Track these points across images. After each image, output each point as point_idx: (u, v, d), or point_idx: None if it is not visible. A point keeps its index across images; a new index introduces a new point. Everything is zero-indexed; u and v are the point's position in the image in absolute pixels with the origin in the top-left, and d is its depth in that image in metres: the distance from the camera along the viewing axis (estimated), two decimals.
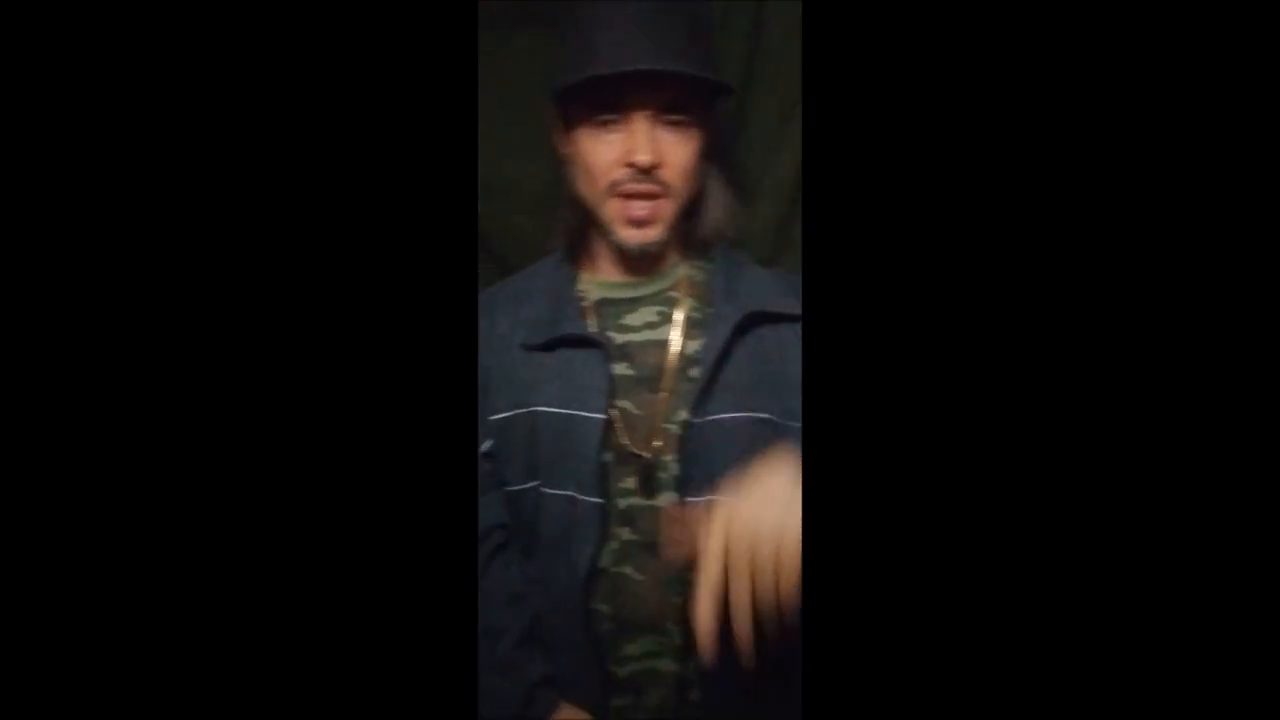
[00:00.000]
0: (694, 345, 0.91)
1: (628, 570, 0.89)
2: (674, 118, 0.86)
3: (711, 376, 0.88)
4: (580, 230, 0.94)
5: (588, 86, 0.84)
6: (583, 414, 0.88)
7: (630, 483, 0.89)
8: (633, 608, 0.88)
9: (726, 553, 0.67)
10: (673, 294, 0.93)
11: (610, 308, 0.93)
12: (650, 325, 0.92)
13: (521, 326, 0.93)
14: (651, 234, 0.88)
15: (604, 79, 0.83)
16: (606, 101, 0.85)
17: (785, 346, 0.91)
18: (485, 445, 0.92)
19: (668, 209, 0.87)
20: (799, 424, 0.89)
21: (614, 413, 0.89)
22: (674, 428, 0.89)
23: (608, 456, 0.88)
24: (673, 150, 0.86)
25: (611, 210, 0.88)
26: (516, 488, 0.91)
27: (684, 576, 0.86)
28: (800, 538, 0.65)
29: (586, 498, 0.87)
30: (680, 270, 0.94)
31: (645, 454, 0.88)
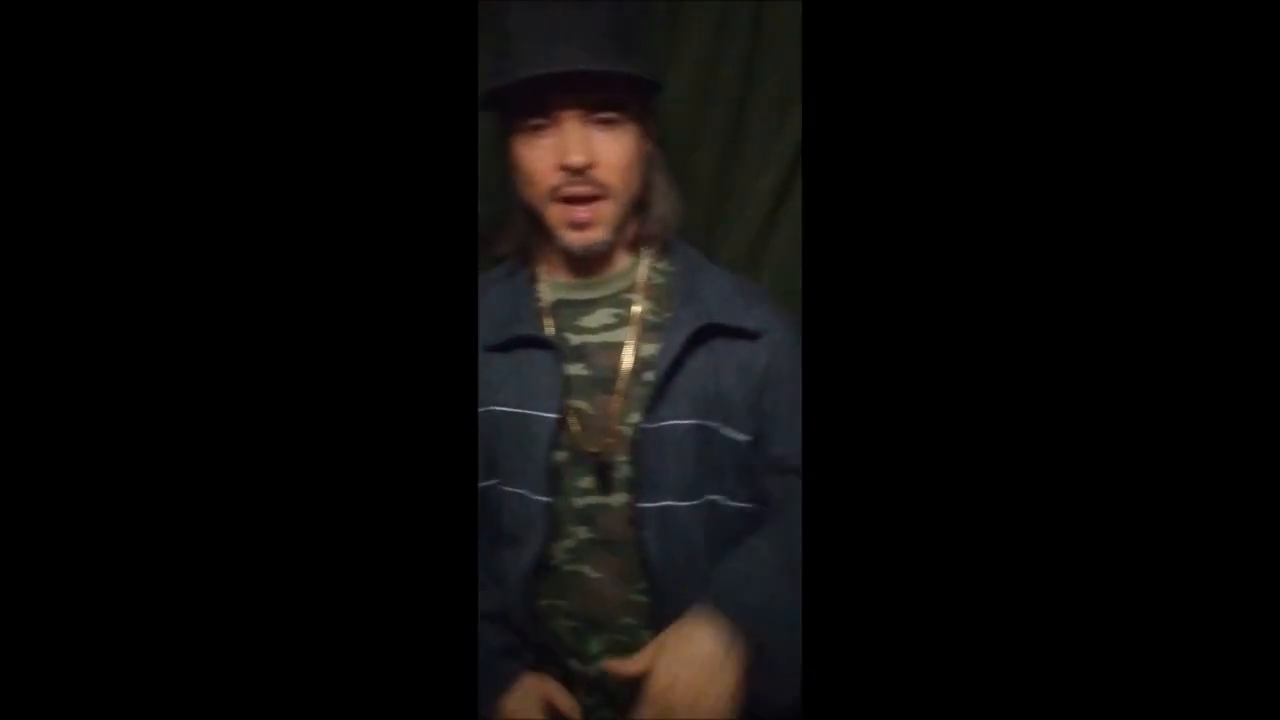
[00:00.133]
0: (649, 349, 0.91)
1: (584, 569, 0.90)
2: (605, 116, 0.85)
3: (664, 382, 0.88)
4: (530, 234, 0.94)
5: (516, 92, 0.83)
6: (536, 414, 0.89)
7: (587, 482, 0.90)
8: (591, 606, 0.90)
9: None
10: (629, 296, 0.93)
11: (566, 309, 0.93)
12: (607, 327, 0.92)
13: (481, 328, 0.93)
14: (594, 235, 0.88)
15: (529, 83, 0.82)
16: (535, 106, 0.84)
17: (740, 360, 0.91)
18: None
19: (608, 209, 0.87)
20: (749, 437, 0.91)
21: (570, 414, 0.90)
22: (627, 430, 0.90)
23: (560, 456, 0.90)
24: (607, 149, 0.85)
25: (554, 215, 0.88)
26: (480, 484, 0.92)
27: (642, 574, 0.89)
28: (725, 703, 0.78)
29: (537, 496, 0.89)
30: (638, 271, 0.94)
31: (597, 451, 0.89)
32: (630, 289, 0.93)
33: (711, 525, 0.90)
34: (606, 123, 0.85)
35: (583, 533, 0.90)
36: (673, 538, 0.88)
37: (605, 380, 0.91)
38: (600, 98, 0.84)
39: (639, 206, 0.92)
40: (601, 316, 0.93)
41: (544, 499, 0.88)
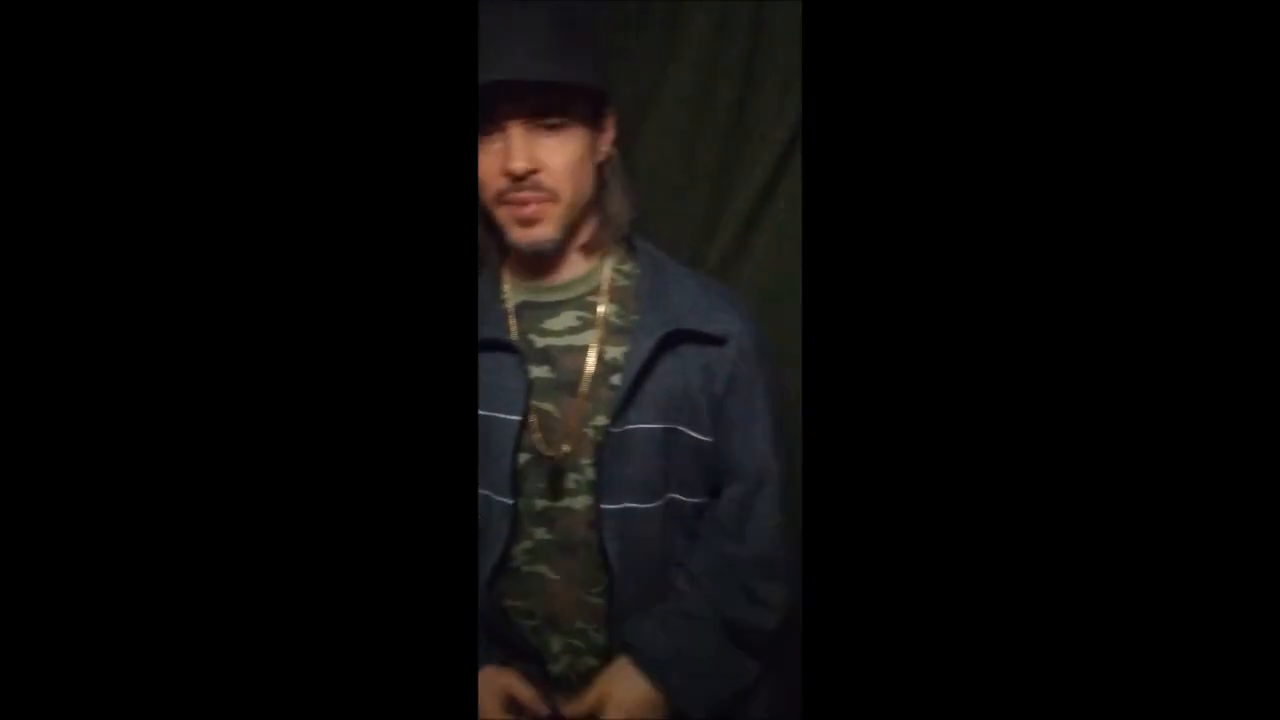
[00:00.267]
0: (615, 351, 0.91)
1: (542, 569, 0.91)
2: (551, 121, 0.85)
3: (632, 387, 0.88)
4: (488, 237, 0.94)
5: None
6: (500, 416, 0.90)
7: (545, 484, 0.91)
8: (549, 606, 0.92)
9: None
10: (594, 299, 0.93)
11: (531, 311, 0.94)
12: (572, 330, 0.93)
13: None
14: (540, 233, 0.88)
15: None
16: (482, 112, 0.84)
17: (705, 365, 0.91)
18: None
19: (554, 209, 0.87)
20: (710, 439, 0.91)
21: (533, 416, 0.91)
22: (592, 433, 0.90)
23: (523, 458, 0.90)
24: (552, 155, 0.85)
25: (502, 215, 0.88)
26: None
27: (601, 577, 0.90)
28: None
29: (499, 498, 0.90)
30: (602, 274, 0.94)
31: (554, 455, 0.90)
32: (595, 291, 0.94)
33: (670, 523, 0.91)
34: (553, 128, 0.85)
35: (541, 534, 0.91)
36: (632, 539, 0.89)
37: (570, 383, 0.91)
38: (545, 103, 0.84)
39: (593, 209, 0.92)
40: (566, 319, 0.93)
41: (507, 501, 0.89)
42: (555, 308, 0.93)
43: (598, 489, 0.89)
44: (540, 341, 0.93)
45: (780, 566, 0.92)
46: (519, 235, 0.88)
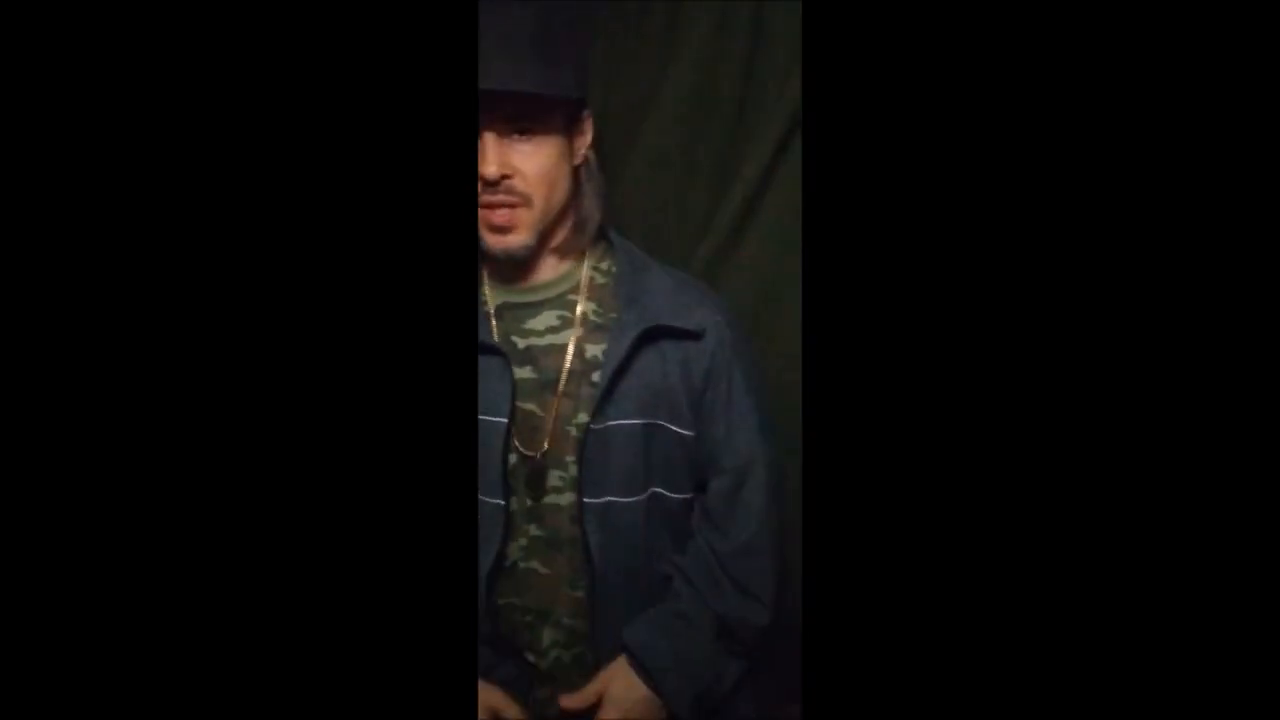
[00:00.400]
0: (595, 349, 0.92)
1: (534, 565, 0.93)
2: (525, 127, 0.86)
3: (611, 384, 0.90)
4: None
5: None
6: (487, 418, 0.91)
7: (529, 482, 0.93)
8: (539, 602, 0.94)
9: None
10: (573, 297, 0.94)
11: (512, 312, 0.95)
12: (552, 329, 0.94)
13: None
14: (514, 240, 0.89)
15: None
16: None
17: (684, 360, 0.92)
18: None
19: (526, 216, 0.88)
20: (691, 432, 0.92)
21: (519, 417, 0.92)
22: (574, 430, 0.91)
23: (512, 459, 0.92)
24: (526, 161, 0.86)
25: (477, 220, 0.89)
26: None
27: (584, 570, 0.92)
28: None
29: (491, 499, 0.91)
30: (581, 273, 0.95)
31: (535, 454, 0.91)
32: (574, 290, 0.95)
33: (654, 518, 0.93)
34: (527, 134, 0.86)
35: (533, 530, 0.93)
36: (614, 532, 0.91)
37: (552, 382, 0.93)
38: (520, 110, 0.85)
39: (566, 213, 0.93)
40: (547, 318, 0.94)
41: (499, 502, 0.91)
42: (536, 308, 0.95)
43: (580, 485, 0.90)
44: (522, 342, 0.94)
45: (770, 558, 0.93)
46: (492, 241, 0.89)
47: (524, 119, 0.86)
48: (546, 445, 0.92)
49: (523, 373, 0.93)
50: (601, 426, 0.90)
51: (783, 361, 1.07)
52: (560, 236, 0.94)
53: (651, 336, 0.91)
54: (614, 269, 0.96)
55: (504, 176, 0.86)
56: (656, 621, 0.92)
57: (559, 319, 0.94)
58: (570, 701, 0.91)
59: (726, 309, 0.97)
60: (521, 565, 0.94)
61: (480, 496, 0.91)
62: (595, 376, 0.91)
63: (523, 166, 0.87)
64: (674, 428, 0.93)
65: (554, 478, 0.93)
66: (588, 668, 0.94)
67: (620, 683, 0.90)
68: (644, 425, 0.91)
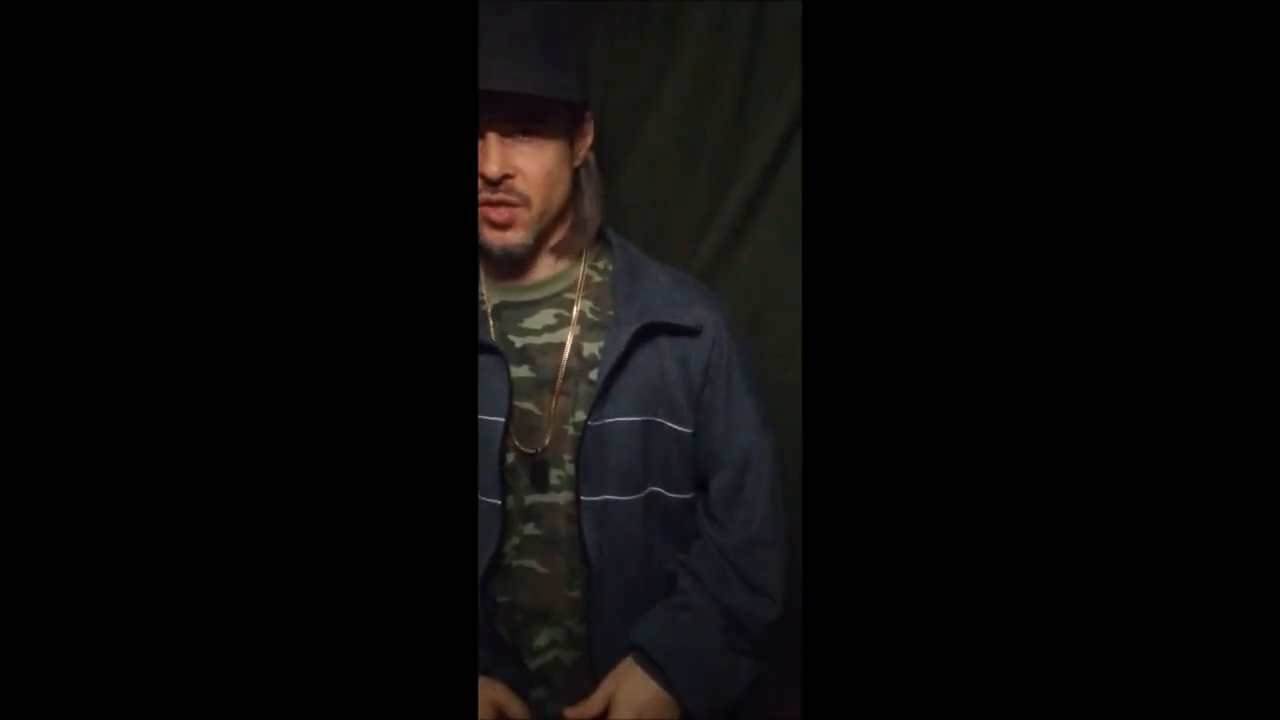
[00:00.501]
0: (592, 347, 0.93)
1: (531, 564, 0.93)
2: (528, 128, 0.86)
3: (608, 382, 0.90)
4: None
5: None
6: (484, 417, 0.90)
7: (528, 480, 0.93)
8: (535, 601, 0.93)
9: None
10: (570, 296, 0.95)
11: (509, 311, 0.95)
12: (549, 328, 0.94)
13: None
14: (512, 238, 0.89)
15: None
16: None
17: (681, 357, 0.93)
18: None
19: (525, 215, 0.89)
20: (690, 430, 0.93)
21: (517, 416, 0.92)
22: (571, 428, 0.91)
23: (510, 458, 0.92)
24: (527, 162, 0.87)
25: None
26: None
27: (581, 570, 0.91)
28: None
29: (487, 499, 0.91)
30: (579, 270, 0.95)
31: (533, 452, 0.91)
32: (571, 288, 0.95)
33: (652, 517, 0.92)
34: (529, 134, 0.87)
35: (530, 529, 0.93)
36: (612, 531, 0.91)
37: (549, 380, 0.93)
38: (523, 111, 0.86)
39: (565, 214, 0.94)
40: (544, 317, 0.94)
41: (496, 502, 0.91)
42: (533, 306, 0.95)
43: (577, 483, 0.90)
44: (519, 341, 0.94)
45: (775, 551, 0.93)
46: (491, 238, 0.90)
47: (527, 120, 0.86)
48: (545, 444, 0.92)
49: (520, 371, 0.93)
50: (599, 423, 0.90)
51: (782, 361, 1.07)
52: (559, 236, 0.94)
53: (649, 333, 0.91)
54: (611, 267, 0.97)
55: (505, 176, 0.86)
56: (662, 617, 0.92)
57: (556, 317, 0.94)
58: (578, 712, 0.90)
59: (724, 306, 0.97)
60: (515, 564, 0.93)
61: (479, 496, 0.91)
62: (593, 374, 0.91)
63: (524, 167, 0.87)
64: (672, 425, 0.92)
65: (552, 476, 0.92)
66: (584, 671, 0.93)
67: (630, 682, 0.90)
68: (642, 422, 0.91)
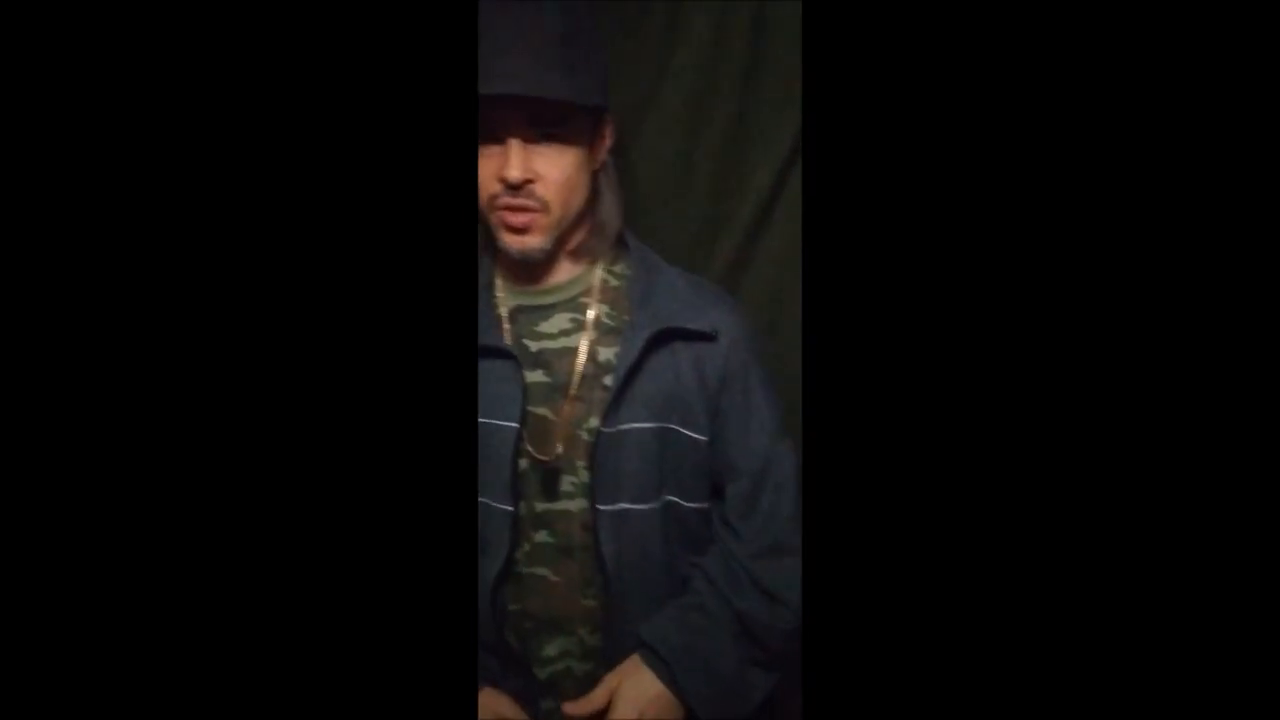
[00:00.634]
0: (607, 353, 0.92)
1: (543, 572, 0.91)
2: (548, 133, 0.86)
3: (623, 387, 0.89)
4: (483, 239, 0.95)
5: None
6: (497, 423, 0.90)
7: (540, 487, 0.91)
8: (547, 609, 0.92)
9: None
10: (585, 300, 0.94)
11: (525, 315, 0.94)
12: (565, 333, 0.93)
13: None
14: (531, 242, 0.88)
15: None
16: (482, 121, 0.85)
17: (697, 362, 0.92)
18: None
19: (544, 220, 0.88)
20: (706, 437, 0.92)
21: (530, 421, 0.91)
22: (585, 435, 0.90)
23: (522, 464, 0.91)
24: (548, 166, 0.86)
25: (495, 221, 0.89)
26: None
27: (596, 579, 0.90)
28: None
29: (499, 505, 0.90)
30: (593, 275, 0.95)
31: (547, 459, 0.90)
32: (587, 293, 0.94)
33: (668, 526, 0.91)
34: (551, 139, 0.86)
35: (542, 537, 0.91)
36: (628, 540, 0.89)
37: (564, 386, 0.92)
38: (545, 116, 0.85)
39: (584, 218, 0.93)
40: (559, 321, 0.93)
41: (508, 508, 0.89)
42: (549, 310, 0.94)
43: (592, 491, 0.89)
44: (534, 346, 0.93)
45: (794, 560, 0.91)
46: (510, 241, 0.89)
47: (549, 124, 0.85)
48: (558, 450, 0.90)
49: (534, 376, 0.92)
50: (613, 430, 0.89)
51: (796, 366, 1.07)
52: (577, 240, 0.93)
53: (664, 339, 0.90)
54: (627, 272, 0.96)
55: (526, 181, 0.85)
56: (672, 615, 0.90)
57: (571, 322, 0.93)
58: (577, 708, 0.89)
59: (741, 311, 0.96)
60: (526, 571, 0.92)
61: (490, 502, 0.90)
62: (607, 380, 0.90)
63: (545, 171, 0.86)
64: (687, 432, 0.91)
65: (565, 483, 0.91)
66: (596, 683, 0.91)
67: (633, 680, 0.88)
68: (656, 429, 0.90)
